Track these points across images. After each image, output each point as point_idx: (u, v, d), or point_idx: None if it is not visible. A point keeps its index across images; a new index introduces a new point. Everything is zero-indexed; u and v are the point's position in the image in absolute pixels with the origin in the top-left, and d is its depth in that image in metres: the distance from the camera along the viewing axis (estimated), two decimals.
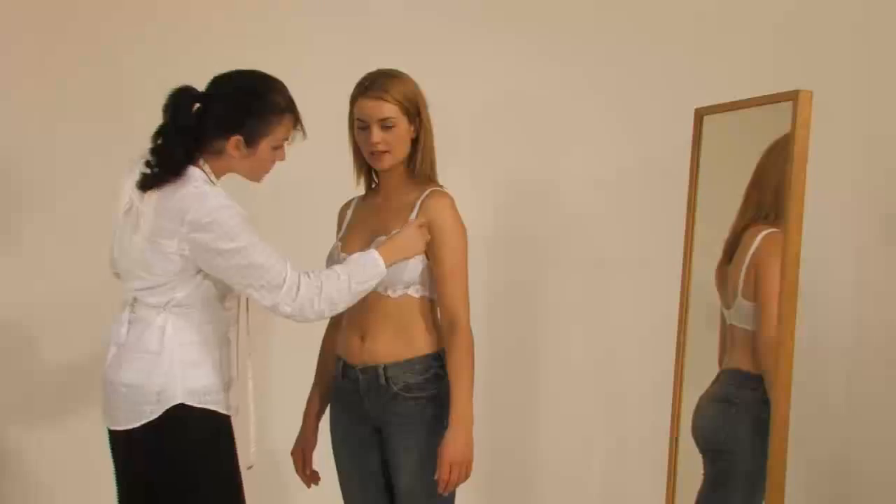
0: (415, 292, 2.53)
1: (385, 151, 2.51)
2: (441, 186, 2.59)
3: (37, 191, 3.46)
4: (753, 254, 2.73)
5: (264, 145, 2.36)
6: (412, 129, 2.53)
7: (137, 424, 2.29)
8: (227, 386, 2.39)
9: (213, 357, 2.35)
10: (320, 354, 2.76)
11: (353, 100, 2.53)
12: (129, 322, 2.36)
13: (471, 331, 2.49)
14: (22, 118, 3.44)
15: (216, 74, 2.40)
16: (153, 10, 3.50)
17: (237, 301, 2.45)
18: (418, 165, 2.55)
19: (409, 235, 2.47)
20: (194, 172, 2.31)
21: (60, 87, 3.44)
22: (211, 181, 2.33)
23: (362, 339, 2.55)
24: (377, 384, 2.52)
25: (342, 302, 2.37)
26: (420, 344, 2.53)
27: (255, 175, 2.44)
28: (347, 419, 2.61)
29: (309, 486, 2.75)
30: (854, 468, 3.83)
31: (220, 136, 2.33)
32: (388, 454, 2.56)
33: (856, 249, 3.80)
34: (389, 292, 2.51)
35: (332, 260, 2.62)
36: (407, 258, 2.47)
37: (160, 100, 2.45)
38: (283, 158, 2.45)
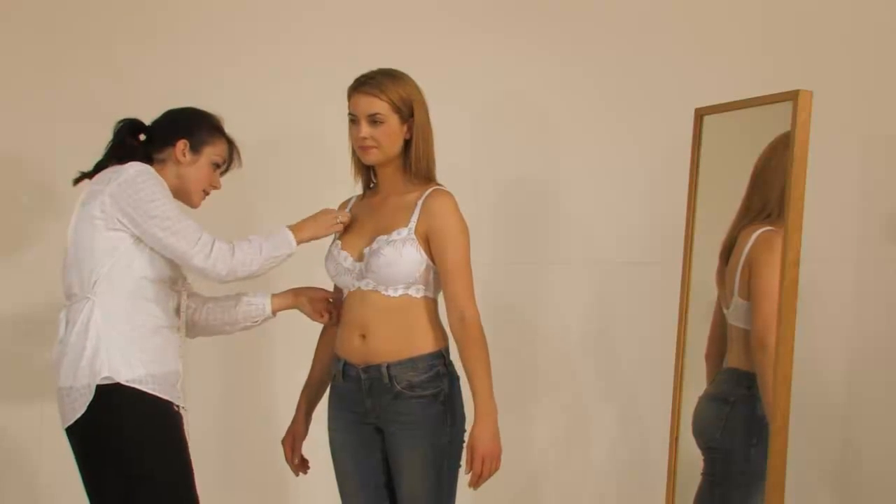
0: (416, 292, 2.53)
1: (373, 146, 2.53)
2: (441, 185, 2.59)
3: (37, 191, 3.46)
4: (748, 253, 2.74)
5: (206, 154, 2.56)
6: (404, 128, 2.54)
7: (82, 412, 2.36)
8: (169, 375, 2.44)
9: (147, 345, 2.41)
10: (317, 347, 2.76)
11: (349, 95, 2.56)
12: (67, 321, 2.44)
13: (481, 324, 2.50)
14: (22, 118, 3.45)
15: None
16: (154, 10, 3.51)
17: (176, 296, 2.54)
18: (413, 166, 2.56)
19: (321, 217, 2.61)
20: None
21: (60, 87, 3.44)
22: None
23: (363, 337, 2.54)
24: (380, 383, 2.52)
25: (255, 263, 2.48)
26: (422, 342, 2.53)
27: (194, 191, 2.57)
28: (347, 419, 2.61)
29: (297, 475, 2.76)
30: (854, 468, 3.83)
31: (167, 144, 2.53)
32: (391, 454, 2.56)
33: (856, 249, 3.79)
34: (390, 292, 2.52)
35: (331, 259, 2.62)
36: (316, 237, 2.60)
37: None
38: (218, 186, 2.62)
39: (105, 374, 2.35)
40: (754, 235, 2.74)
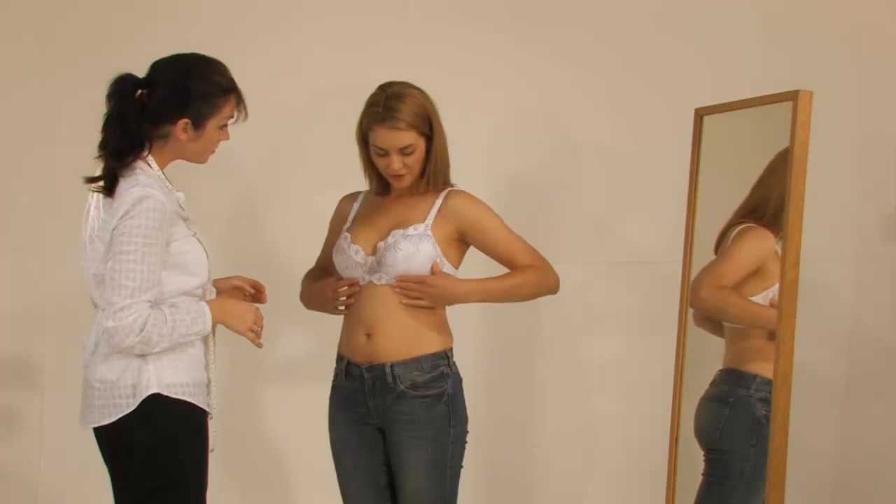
0: None
1: (406, 174, 2.55)
2: (455, 185, 2.62)
3: (37, 191, 3.46)
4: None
5: (211, 126, 2.37)
6: (427, 143, 2.55)
7: (115, 418, 2.31)
8: (203, 385, 2.39)
9: (188, 353, 2.35)
10: (304, 282, 2.76)
11: (368, 127, 2.53)
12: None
13: (554, 273, 2.64)
14: (22, 118, 3.45)
15: (155, 60, 2.39)
16: (153, 9, 3.51)
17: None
18: (430, 172, 2.57)
19: (243, 310, 2.41)
20: (142, 168, 2.33)
21: (60, 86, 3.44)
22: (158, 176, 2.34)
23: (368, 336, 2.55)
24: (384, 382, 2.52)
25: (158, 347, 2.28)
26: (427, 342, 2.54)
27: (202, 157, 2.43)
28: (348, 418, 2.61)
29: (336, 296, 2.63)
30: (853, 468, 3.83)
31: (167, 122, 2.34)
32: (393, 454, 2.56)
33: (856, 249, 3.80)
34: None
35: (341, 253, 2.61)
36: (227, 325, 2.39)
37: None
38: (227, 138, 2.44)
39: (154, 388, 2.29)
40: (735, 231, 2.77)
